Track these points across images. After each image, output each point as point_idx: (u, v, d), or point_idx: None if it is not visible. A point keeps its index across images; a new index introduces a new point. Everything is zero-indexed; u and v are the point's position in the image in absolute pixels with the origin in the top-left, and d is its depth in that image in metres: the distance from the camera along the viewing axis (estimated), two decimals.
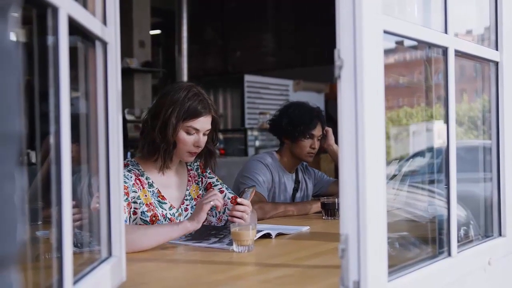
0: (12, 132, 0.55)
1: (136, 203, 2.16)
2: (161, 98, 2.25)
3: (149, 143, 2.23)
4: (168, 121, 2.17)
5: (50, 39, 1.03)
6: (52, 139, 1.03)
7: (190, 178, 2.41)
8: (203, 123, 2.23)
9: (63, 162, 1.02)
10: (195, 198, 2.38)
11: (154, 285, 1.56)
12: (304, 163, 3.23)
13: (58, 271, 1.02)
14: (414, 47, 1.74)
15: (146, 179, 2.25)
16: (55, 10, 1.00)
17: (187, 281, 1.59)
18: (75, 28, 1.12)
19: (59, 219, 1.02)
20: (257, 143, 7.69)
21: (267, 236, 2.13)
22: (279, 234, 2.20)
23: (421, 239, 1.74)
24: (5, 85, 0.54)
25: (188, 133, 2.21)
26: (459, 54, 1.59)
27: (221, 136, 7.84)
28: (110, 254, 1.38)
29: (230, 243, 1.92)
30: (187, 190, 2.38)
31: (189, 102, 2.19)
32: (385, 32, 1.26)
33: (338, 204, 2.68)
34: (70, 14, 1.06)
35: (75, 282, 1.10)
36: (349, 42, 1.18)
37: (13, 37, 0.57)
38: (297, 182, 3.19)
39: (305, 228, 2.38)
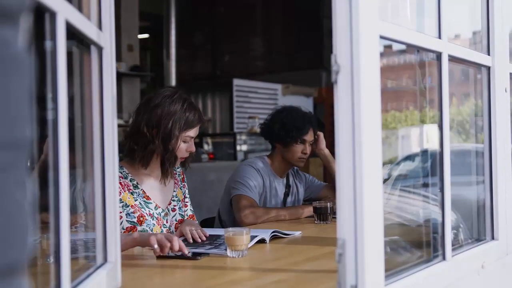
0: (23, 138, 0.55)
1: (119, 207, 2.18)
2: (154, 109, 2.27)
3: (149, 153, 2.27)
4: (171, 134, 2.25)
5: (47, 44, 1.02)
6: (49, 144, 1.02)
7: (176, 180, 2.49)
8: (197, 130, 2.36)
9: (60, 167, 1.01)
10: (181, 200, 2.47)
11: None
12: (295, 167, 3.23)
13: (56, 277, 1.01)
14: (402, 51, 1.75)
15: (131, 181, 2.30)
16: (53, 14, 1.00)
17: (182, 287, 1.58)
18: (71, 32, 1.12)
19: (56, 225, 1.01)
20: (246, 147, 7.68)
21: (261, 241, 2.13)
22: (274, 237, 2.20)
23: (414, 243, 1.74)
24: (17, 92, 0.54)
25: (184, 141, 2.31)
26: (452, 59, 1.60)
27: (210, 140, 7.82)
28: (105, 260, 1.38)
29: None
30: (174, 191, 2.45)
31: (187, 113, 2.29)
32: (381, 37, 1.26)
33: (330, 208, 2.68)
34: (68, 19, 1.05)
35: None
36: (346, 47, 1.18)
37: (23, 43, 0.57)
38: (288, 186, 3.19)
39: (298, 233, 2.38)
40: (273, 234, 2.21)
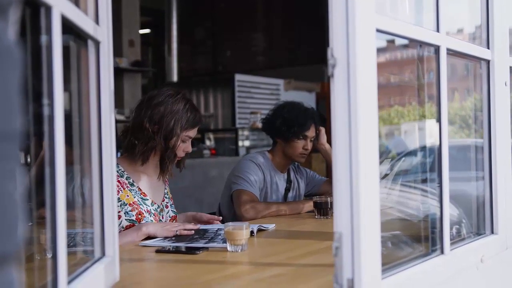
0: (13, 130, 0.55)
1: (118, 206, 2.20)
2: (156, 106, 2.30)
3: (149, 149, 2.30)
4: (172, 132, 2.29)
5: (43, 38, 1.02)
6: (45, 140, 1.02)
7: (166, 179, 2.52)
8: (196, 131, 2.40)
9: (57, 163, 1.01)
10: (171, 198, 2.52)
11: (147, 285, 1.56)
12: (296, 162, 3.23)
13: (53, 271, 1.01)
14: (405, 46, 1.74)
15: (126, 179, 2.32)
16: (48, 9, 1.00)
17: (180, 281, 1.58)
18: (67, 27, 1.12)
19: (53, 219, 1.02)
20: (248, 143, 7.68)
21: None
22: (259, 230, 2.27)
23: (414, 238, 1.74)
24: (7, 84, 0.54)
25: (183, 141, 2.35)
26: (450, 52, 1.60)
27: (211, 136, 7.83)
28: (103, 254, 1.38)
29: (225, 241, 1.92)
30: (165, 189, 2.50)
31: (188, 113, 2.33)
32: (378, 30, 1.26)
33: (330, 203, 2.68)
34: (63, 13, 1.05)
35: (69, 282, 1.09)
36: (342, 40, 1.18)
37: (13, 36, 0.57)
38: (289, 181, 3.19)
39: (271, 226, 2.41)
40: (258, 227, 2.27)
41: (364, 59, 1.19)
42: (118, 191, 2.24)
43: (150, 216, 2.30)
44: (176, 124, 2.29)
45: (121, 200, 2.24)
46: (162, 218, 2.39)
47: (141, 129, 2.28)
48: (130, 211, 2.25)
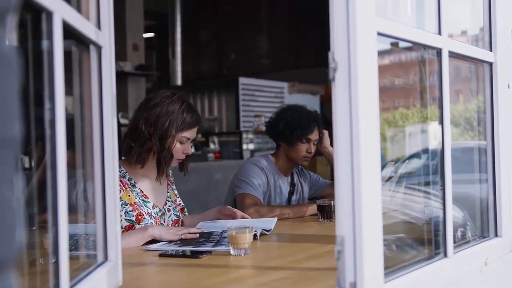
0: (11, 136, 0.55)
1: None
2: (153, 108, 2.31)
3: (146, 151, 2.30)
4: (167, 132, 2.29)
5: (44, 43, 1.02)
6: (47, 144, 1.02)
7: (169, 182, 2.53)
8: (195, 132, 2.39)
9: (58, 167, 1.02)
10: (174, 201, 2.51)
11: None
12: (300, 166, 3.23)
13: (55, 276, 1.01)
14: (409, 49, 1.74)
15: (129, 180, 2.33)
16: (49, 14, 1.00)
17: (184, 285, 1.58)
18: (69, 32, 1.12)
19: (55, 224, 1.02)
20: (253, 146, 7.67)
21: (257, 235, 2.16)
22: (262, 234, 2.25)
23: (417, 240, 1.74)
24: (5, 90, 0.54)
25: (181, 142, 2.34)
26: (453, 55, 1.59)
27: (216, 139, 7.83)
28: (106, 258, 1.38)
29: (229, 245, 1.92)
30: (168, 192, 2.49)
31: (184, 114, 2.32)
32: (379, 34, 1.26)
33: (334, 206, 2.67)
34: (65, 19, 1.06)
35: (71, 287, 1.09)
36: (343, 44, 1.18)
37: (11, 42, 0.57)
38: (292, 185, 3.18)
39: (274, 220, 2.44)
40: (261, 230, 2.26)
41: (365, 62, 1.19)
42: (120, 190, 2.24)
43: (150, 218, 2.30)
44: (171, 125, 2.29)
45: (122, 200, 2.24)
46: (164, 221, 2.39)
47: (137, 131, 2.29)
48: (130, 211, 2.25)
